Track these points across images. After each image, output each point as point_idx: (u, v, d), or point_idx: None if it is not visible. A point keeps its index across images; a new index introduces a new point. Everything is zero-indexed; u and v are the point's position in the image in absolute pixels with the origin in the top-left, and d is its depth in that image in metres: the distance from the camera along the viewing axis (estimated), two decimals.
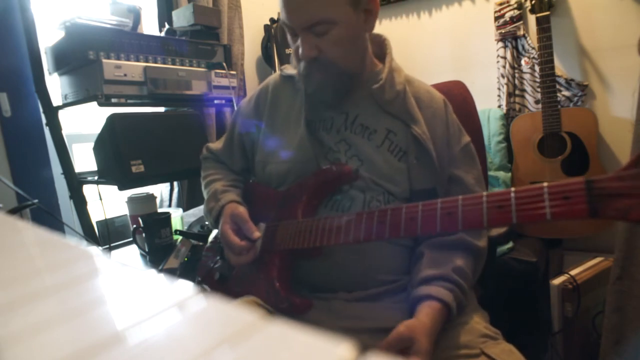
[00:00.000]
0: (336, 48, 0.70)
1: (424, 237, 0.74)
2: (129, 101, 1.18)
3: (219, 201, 0.80)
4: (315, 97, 0.77)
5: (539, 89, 1.55)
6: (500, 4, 1.74)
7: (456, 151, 0.77)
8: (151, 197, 1.30)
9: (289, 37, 0.76)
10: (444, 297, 0.64)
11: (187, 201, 1.70)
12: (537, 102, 1.67)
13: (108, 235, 1.34)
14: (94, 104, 1.11)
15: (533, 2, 1.51)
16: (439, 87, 1.03)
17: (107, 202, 1.28)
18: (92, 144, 1.20)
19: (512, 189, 0.46)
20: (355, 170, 0.73)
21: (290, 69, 0.85)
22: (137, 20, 1.28)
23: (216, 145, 0.95)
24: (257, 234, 0.74)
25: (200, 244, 1.13)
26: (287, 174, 0.79)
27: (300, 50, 0.71)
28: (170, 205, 1.74)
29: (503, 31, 1.73)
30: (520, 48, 1.73)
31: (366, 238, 0.59)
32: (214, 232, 0.92)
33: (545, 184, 0.43)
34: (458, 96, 1.02)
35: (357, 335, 0.67)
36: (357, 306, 0.71)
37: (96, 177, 1.24)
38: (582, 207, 0.40)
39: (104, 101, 1.10)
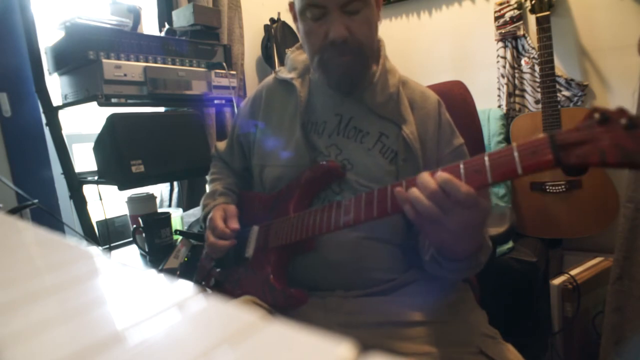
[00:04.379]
0: (365, 28, 0.70)
1: None
2: (129, 101, 1.18)
3: (215, 200, 0.87)
4: (335, 84, 0.75)
5: (539, 89, 1.55)
6: (500, 4, 1.73)
7: (446, 153, 0.76)
8: (151, 197, 1.30)
9: (303, 25, 0.72)
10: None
11: (187, 201, 1.69)
12: (537, 102, 1.67)
13: (108, 235, 1.34)
14: (94, 104, 1.11)
15: (533, 2, 1.51)
16: (439, 87, 1.03)
17: (107, 202, 1.28)
18: (92, 144, 1.20)
19: (486, 153, 0.51)
20: (342, 166, 0.73)
21: (284, 72, 0.85)
22: (137, 20, 1.28)
23: (222, 145, 0.99)
24: (236, 226, 0.78)
25: (200, 244, 1.13)
26: (281, 177, 0.79)
27: (330, 32, 0.68)
28: (170, 205, 1.74)
29: (503, 31, 1.73)
30: (520, 48, 1.73)
31: (356, 220, 0.60)
32: None
33: (514, 144, 0.48)
34: (458, 96, 1.02)
35: (354, 330, 0.68)
36: (353, 302, 0.71)
37: (96, 177, 1.23)
38: (548, 158, 0.44)
39: (104, 101, 1.10)
